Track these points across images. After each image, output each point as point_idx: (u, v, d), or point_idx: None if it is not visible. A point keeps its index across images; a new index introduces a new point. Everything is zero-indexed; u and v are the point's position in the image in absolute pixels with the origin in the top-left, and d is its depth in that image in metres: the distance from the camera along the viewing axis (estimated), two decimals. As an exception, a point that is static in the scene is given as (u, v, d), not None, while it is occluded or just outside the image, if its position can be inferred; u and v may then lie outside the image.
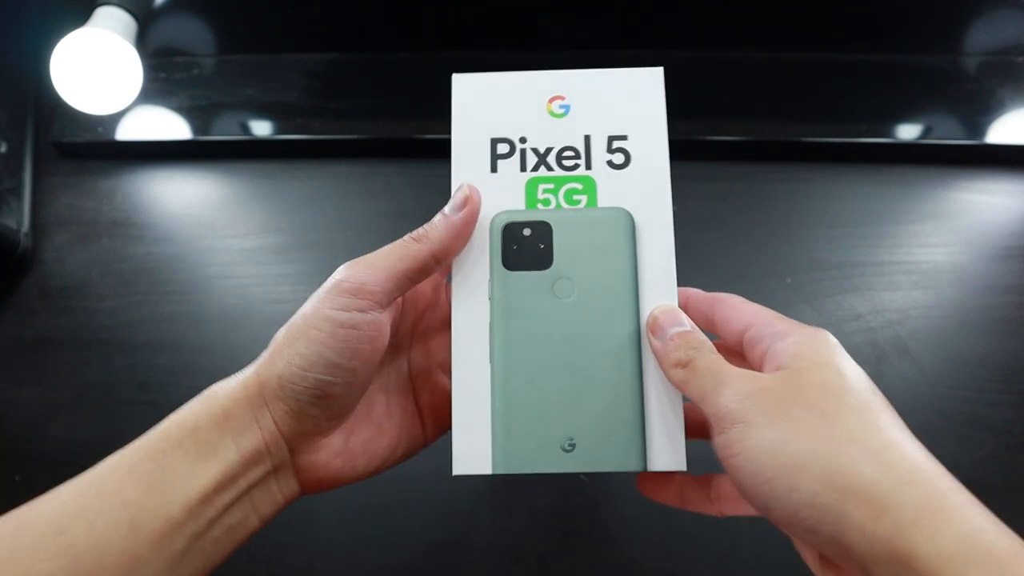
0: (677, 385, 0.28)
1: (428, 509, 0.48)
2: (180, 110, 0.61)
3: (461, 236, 0.30)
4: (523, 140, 0.31)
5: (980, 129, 0.57)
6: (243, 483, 0.27)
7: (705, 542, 0.47)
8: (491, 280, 0.29)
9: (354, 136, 0.59)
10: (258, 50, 0.63)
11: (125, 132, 0.60)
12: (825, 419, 0.24)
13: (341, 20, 0.61)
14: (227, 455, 0.27)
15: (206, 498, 0.26)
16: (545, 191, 0.30)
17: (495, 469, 0.28)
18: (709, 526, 0.46)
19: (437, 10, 0.60)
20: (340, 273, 0.30)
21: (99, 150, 0.61)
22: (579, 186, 0.30)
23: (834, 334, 0.28)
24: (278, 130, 0.60)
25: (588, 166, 0.30)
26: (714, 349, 0.27)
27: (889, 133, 0.58)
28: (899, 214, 0.57)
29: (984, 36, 0.59)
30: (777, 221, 0.56)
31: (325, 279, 0.31)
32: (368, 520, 0.48)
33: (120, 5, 0.53)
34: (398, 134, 0.59)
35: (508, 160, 0.31)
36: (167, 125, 0.60)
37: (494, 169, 0.30)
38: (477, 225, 0.30)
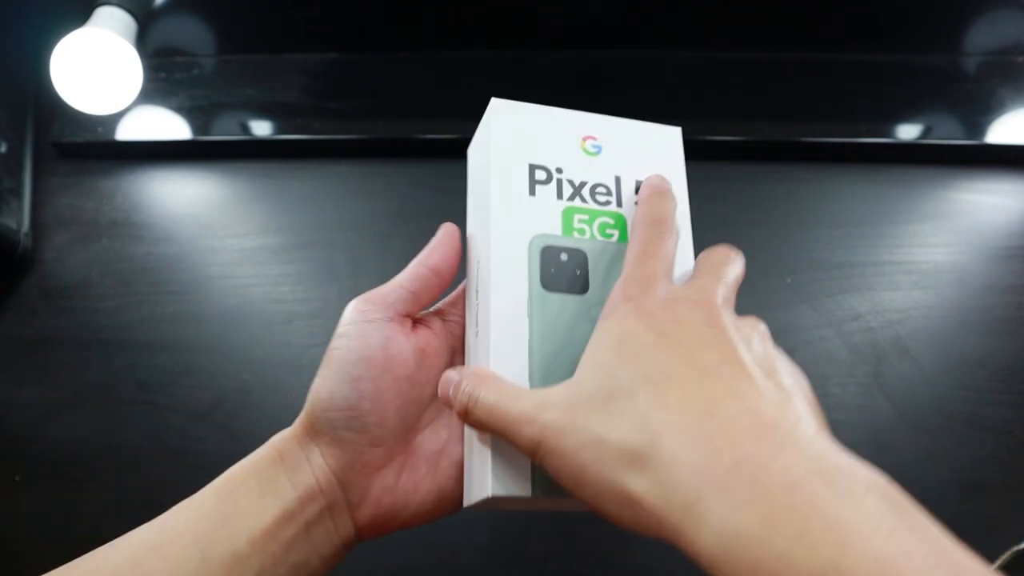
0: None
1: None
2: (180, 110, 0.61)
3: (439, 248, 0.32)
4: (559, 171, 0.31)
5: (980, 129, 0.57)
6: (301, 519, 0.29)
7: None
8: (530, 299, 0.29)
9: (354, 136, 0.59)
10: (258, 50, 0.63)
11: (125, 132, 0.60)
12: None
13: (341, 20, 0.61)
14: (284, 492, 0.29)
15: (269, 533, 0.28)
16: (580, 221, 0.30)
17: (534, 492, 0.27)
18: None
19: (437, 10, 0.60)
20: (350, 302, 0.32)
21: (99, 150, 0.61)
22: (611, 221, 0.31)
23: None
24: (278, 130, 0.60)
25: (619, 204, 0.31)
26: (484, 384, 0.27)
27: (889, 133, 0.58)
28: (899, 214, 0.57)
29: (984, 36, 0.60)
30: (777, 221, 0.56)
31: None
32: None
33: (120, 5, 0.53)
34: (398, 134, 0.59)
35: (546, 186, 0.31)
36: (167, 125, 0.60)
37: (532, 192, 0.31)
38: (515, 246, 0.30)
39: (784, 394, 0.22)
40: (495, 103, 0.32)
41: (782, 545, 0.17)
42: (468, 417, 0.27)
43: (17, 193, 0.59)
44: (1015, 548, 0.44)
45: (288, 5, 0.61)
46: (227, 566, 0.27)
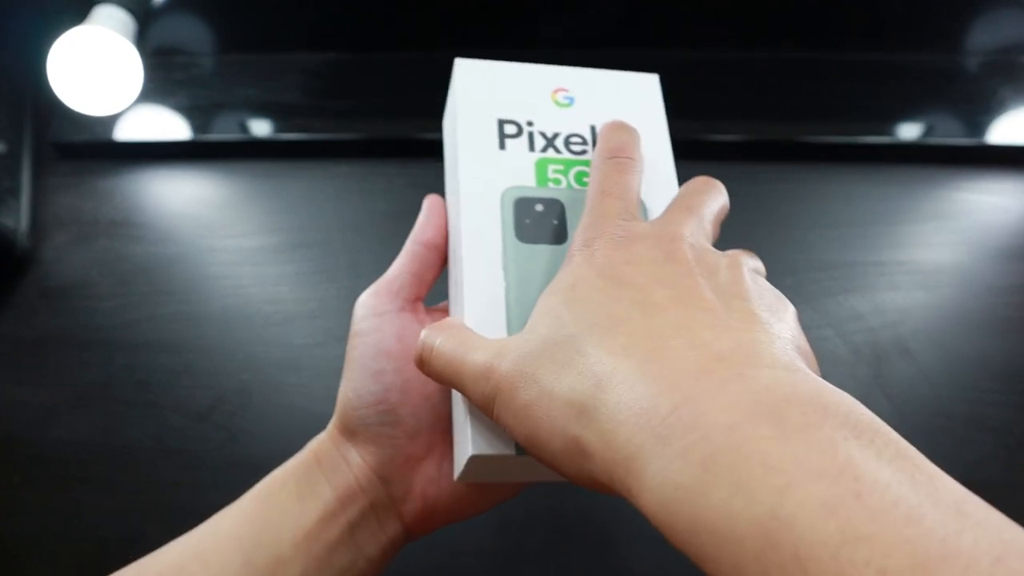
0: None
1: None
2: (180, 110, 0.61)
3: (429, 221, 0.32)
4: (530, 124, 0.30)
5: (981, 129, 0.57)
6: (343, 520, 0.28)
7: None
8: (504, 251, 0.28)
9: (354, 136, 0.59)
10: (258, 50, 0.63)
11: (124, 132, 0.60)
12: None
13: (341, 20, 0.61)
14: (324, 493, 0.28)
15: (311, 535, 0.28)
16: (555, 171, 0.30)
17: (518, 451, 0.26)
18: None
19: (437, 10, 0.60)
20: (356, 300, 0.32)
21: (98, 150, 0.61)
22: (588, 169, 0.30)
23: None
24: (278, 130, 0.60)
25: None
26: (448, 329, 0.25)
27: (889, 133, 0.58)
28: (899, 214, 0.57)
29: (985, 35, 0.59)
30: (777, 221, 0.56)
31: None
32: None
33: (119, 4, 0.53)
34: (398, 134, 0.59)
35: (516, 140, 0.30)
36: (167, 125, 0.60)
37: (502, 147, 0.30)
38: (486, 200, 0.29)
39: (745, 322, 0.20)
40: (460, 63, 0.32)
41: (719, 496, 0.15)
42: (425, 367, 0.25)
43: (16, 193, 0.59)
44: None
45: (288, 5, 0.61)
46: (270, 570, 0.27)
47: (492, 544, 0.48)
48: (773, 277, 0.24)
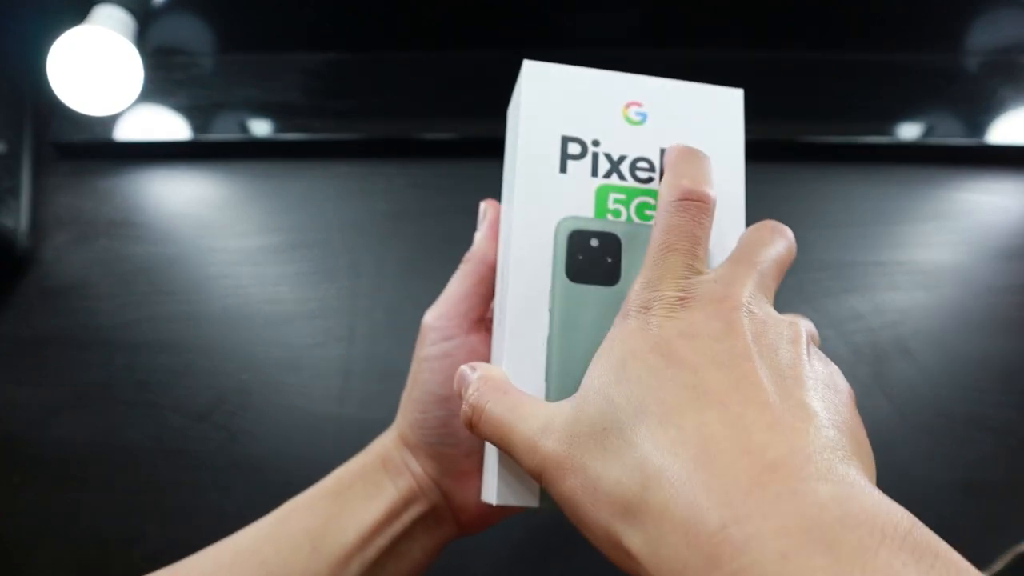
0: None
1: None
2: (180, 110, 0.61)
3: (491, 240, 0.31)
4: (596, 143, 0.28)
5: (981, 129, 0.57)
6: (406, 518, 0.31)
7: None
8: (552, 290, 0.26)
9: (354, 136, 0.59)
10: (258, 50, 0.63)
11: (124, 132, 0.60)
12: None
13: (341, 20, 0.61)
14: (389, 493, 0.31)
15: (376, 529, 0.30)
16: (616, 201, 0.27)
17: (543, 502, 0.25)
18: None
19: (437, 10, 0.60)
20: (423, 319, 0.32)
21: (98, 150, 0.61)
22: (652, 200, 0.27)
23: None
24: (278, 130, 0.60)
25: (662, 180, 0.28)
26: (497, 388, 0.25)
27: (889, 133, 0.58)
28: (899, 214, 0.57)
29: (985, 35, 0.59)
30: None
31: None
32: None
33: (119, 3, 0.53)
34: (398, 134, 0.59)
35: (579, 162, 0.28)
36: (166, 125, 0.60)
37: (563, 169, 0.27)
38: (539, 229, 0.27)
39: (801, 418, 0.19)
40: (528, 66, 0.29)
41: None
42: (474, 429, 0.25)
43: (16, 193, 0.59)
44: (1016, 549, 0.43)
45: (288, 5, 0.61)
46: (336, 558, 0.29)
47: (492, 544, 0.48)
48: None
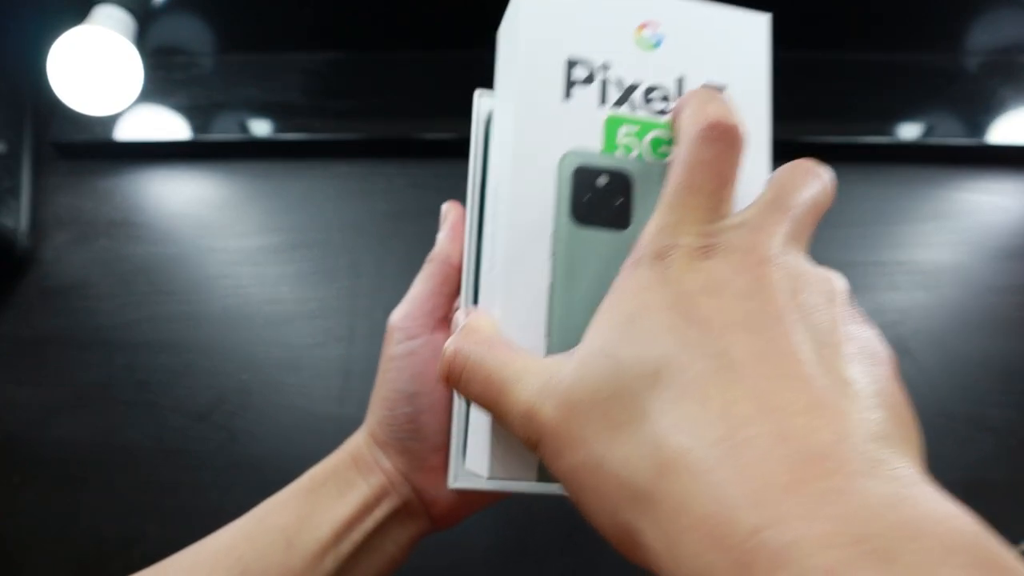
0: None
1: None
2: (180, 110, 0.61)
3: (455, 240, 0.31)
4: (605, 67, 0.24)
5: (981, 129, 0.57)
6: (378, 514, 0.31)
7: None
8: (555, 234, 0.23)
9: (354, 136, 0.59)
10: (258, 50, 0.63)
11: (124, 132, 0.60)
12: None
13: (341, 20, 0.61)
14: (361, 490, 0.31)
15: (349, 525, 0.31)
16: (627, 134, 0.24)
17: (540, 477, 0.22)
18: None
19: (438, 10, 0.60)
20: (389, 320, 0.32)
21: (98, 150, 0.61)
22: (666, 136, 0.24)
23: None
24: (278, 130, 0.60)
25: None
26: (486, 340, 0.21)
27: (889, 133, 0.58)
28: (899, 214, 0.57)
29: (985, 35, 0.59)
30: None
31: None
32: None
33: (119, 3, 0.53)
34: (398, 134, 0.59)
35: (586, 88, 0.24)
36: (166, 125, 0.60)
37: (568, 95, 0.24)
38: (538, 162, 0.23)
39: (844, 394, 0.16)
40: None
41: None
42: (456, 386, 0.21)
43: (16, 193, 0.59)
44: (1016, 549, 0.44)
45: (288, 5, 0.61)
46: (311, 553, 0.30)
47: (492, 544, 0.48)
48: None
